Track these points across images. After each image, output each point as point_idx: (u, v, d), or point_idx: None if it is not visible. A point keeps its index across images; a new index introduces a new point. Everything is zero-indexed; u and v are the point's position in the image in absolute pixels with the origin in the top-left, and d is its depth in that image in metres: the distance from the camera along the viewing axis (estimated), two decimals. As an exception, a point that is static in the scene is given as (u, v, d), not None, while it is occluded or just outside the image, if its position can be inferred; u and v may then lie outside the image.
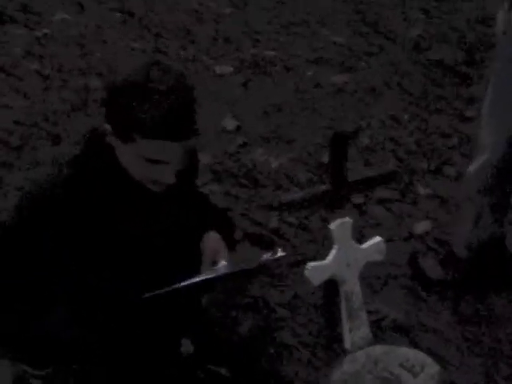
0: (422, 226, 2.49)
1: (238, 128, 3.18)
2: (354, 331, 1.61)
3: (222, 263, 1.58)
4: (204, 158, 2.83)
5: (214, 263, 1.60)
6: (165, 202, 1.60)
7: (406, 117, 3.19)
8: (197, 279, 1.52)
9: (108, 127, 1.46)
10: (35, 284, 1.56)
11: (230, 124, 3.19)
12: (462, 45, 3.74)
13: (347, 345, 1.61)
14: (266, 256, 1.57)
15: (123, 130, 1.43)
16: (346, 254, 1.60)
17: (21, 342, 1.61)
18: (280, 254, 1.57)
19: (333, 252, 1.58)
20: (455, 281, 2.18)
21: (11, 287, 1.58)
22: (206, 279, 1.54)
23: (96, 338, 1.57)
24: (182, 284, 1.50)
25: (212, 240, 1.64)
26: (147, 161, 1.44)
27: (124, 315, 1.55)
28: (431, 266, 2.24)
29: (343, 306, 1.61)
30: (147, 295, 1.49)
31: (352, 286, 1.61)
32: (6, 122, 3.27)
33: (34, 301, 1.58)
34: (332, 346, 2.00)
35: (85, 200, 1.49)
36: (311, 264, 1.56)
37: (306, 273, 1.55)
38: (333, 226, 1.58)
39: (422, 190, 2.68)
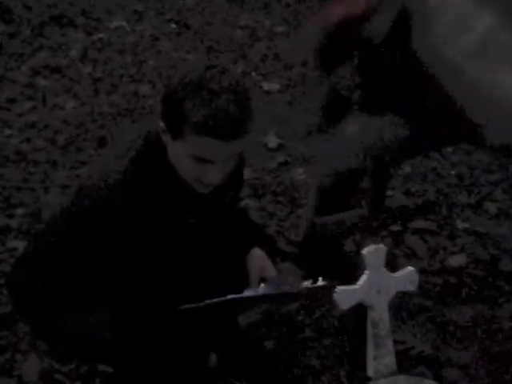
0: (457, 260, 2.46)
1: (280, 146, 3.20)
2: (379, 359, 1.60)
3: (264, 284, 1.59)
4: (244, 174, 2.86)
5: (262, 280, 1.62)
6: (208, 207, 1.62)
7: (449, 149, 3.16)
8: (238, 296, 1.53)
9: (162, 124, 1.48)
10: (78, 282, 1.58)
11: (273, 141, 3.22)
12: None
13: (371, 372, 1.60)
14: (307, 283, 1.58)
15: (174, 125, 1.45)
16: (377, 280, 1.59)
17: (54, 336, 1.64)
18: (320, 282, 1.58)
19: (364, 277, 1.57)
20: None
21: (54, 283, 1.61)
22: (247, 297, 1.55)
23: (128, 342, 1.58)
24: (224, 299, 1.51)
25: (258, 257, 1.65)
26: (195, 159, 1.46)
27: (159, 323, 1.57)
28: None
29: (370, 332, 1.60)
30: (185, 307, 1.50)
31: (380, 314, 1.60)
32: (56, 121, 3.36)
33: (73, 298, 1.60)
34: (355, 372, 1.99)
35: (133, 201, 1.50)
36: (341, 287, 1.55)
37: (335, 296, 1.54)
38: (366, 251, 1.57)
39: (459, 224, 2.65)
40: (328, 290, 1.58)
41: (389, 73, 1.96)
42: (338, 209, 2.21)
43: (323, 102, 2.09)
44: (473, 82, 1.80)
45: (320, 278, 1.60)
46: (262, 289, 1.57)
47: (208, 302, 1.49)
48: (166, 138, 1.50)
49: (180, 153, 1.47)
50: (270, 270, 1.63)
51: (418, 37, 1.85)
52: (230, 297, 1.51)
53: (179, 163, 1.49)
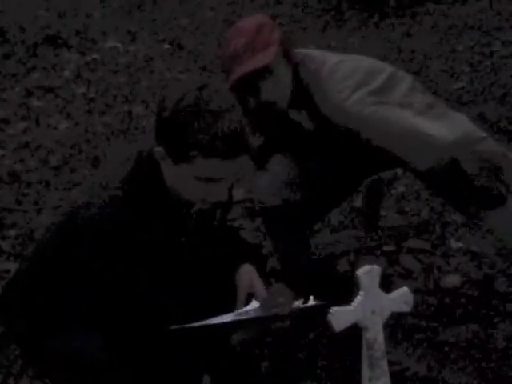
0: (451, 280, 2.45)
1: (274, 166, 3.19)
2: (374, 380, 1.59)
3: (255, 304, 1.58)
4: (236, 194, 2.86)
5: (250, 295, 1.61)
6: (199, 229, 1.62)
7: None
8: (228, 320, 1.52)
9: (160, 149, 1.48)
10: (70, 301, 1.57)
11: (267, 161, 3.21)
12: (506, 101, 3.72)
13: (366, 394, 1.59)
14: (298, 303, 1.57)
15: (178, 150, 1.46)
16: (372, 301, 1.58)
17: (45, 358, 1.62)
18: (311, 302, 1.58)
19: (358, 298, 1.57)
20: None
21: (45, 303, 1.60)
22: (237, 321, 1.54)
23: (120, 362, 1.57)
24: (212, 323, 1.50)
25: (247, 272, 1.65)
26: (200, 180, 1.47)
27: (152, 343, 1.56)
28: None
29: (364, 353, 1.59)
30: (175, 327, 1.49)
31: (375, 334, 1.59)
32: (49, 142, 3.36)
33: (65, 318, 1.59)
34: (350, 393, 1.97)
35: (125, 216, 1.51)
36: (335, 308, 1.54)
37: (329, 317, 1.54)
38: (360, 272, 1.56)
39: (454, 244, 2.65)
40: (319, 309, 1.57)
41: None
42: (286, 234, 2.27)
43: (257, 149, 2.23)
44: (382, 123, 1.86)
45: (311, 297, 1.59)
46: (253, 312, 1.56)
47: (196, 324, 1.48)
48: (165, 162, 1.50)
49: (185, 175, 1.48)
50: (259, 287, 1.63)
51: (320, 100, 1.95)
52: (218, 320, 1.50)
53: (183, 185, 1.50)
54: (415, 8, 5.28)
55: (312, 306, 1.59)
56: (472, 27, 4.70)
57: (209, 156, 1.43)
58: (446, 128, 1.85)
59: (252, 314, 1.56)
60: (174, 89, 1.50)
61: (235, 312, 1.57)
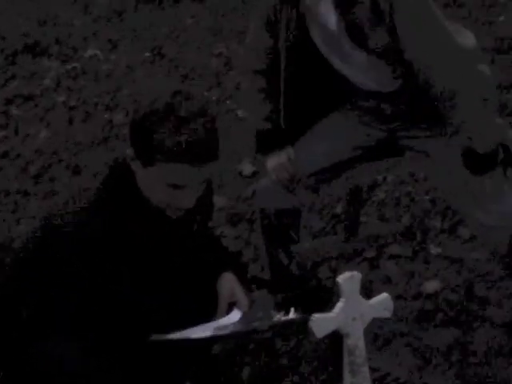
0: (431, 286, 2.47)
1: (255, 173, 3.20)
2: (355, 387, 1.59)
3: (236, 313, 1.57)
4: (219, 201, 2.86)
5: (231, 305, 1.61)
6: (179, 236, 1.62)
7: (422, 174, 3.20)
8: (207, 335, 1.52)
9: (131, 151, 1.50)
10: (49, 308, 1.56)
11: (247, 169, 3.22)
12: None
13: (347, 400, 1.59)
14: (279, 316, 1.57)
15: (145, 153, 1.46)
16: (353, 308, 1.58)
17: (22, 370, 1.61)
18: (292, 315, 1.58)
19: (339, 305, 1.57)
20: None
21: (24, 311, 1.59)
22: (217, 336, 1.53)
23: (100, 371, 1.56)
24: (192, 337, 1.50)
25: (228, 281, 1.65)
26: (167, 185, 1.47)
27: (131, 351, 1.55)
28: None
29: (346, 360, 1.59)
30: (154, 338, 1.49)
31: (356, 341, 1.60)
32: (28, 151, 3.34)
33: (44, 325, 1.58)
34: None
35: (102, 227, 1.51)
36: (316, 315, 1.54)
37: (311, 324, 1.54)
38: (340, 278, 1.57)
39: (434, 249, 2.67)
40: (299, 322, 1.57)
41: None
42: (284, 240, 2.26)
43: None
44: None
45: (292, 309, 1.59)
46: (232, 326, 1.55)
47: (176, 337, 1.48)
48: (136, 165, 1.51)
49: (151, 179, 1.49)
50: (240, 295, 1.63)
51: None
52: (197, 335, 1.50)
53: (150, 189, 1.51)
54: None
55: (292, 319, 1.59)
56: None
57: (172, 161, 1.43)
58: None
59: (231, 329, 1.55)
60: (151, 95, 1.50)
61: (214, 325, 1.56)
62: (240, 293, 1.64)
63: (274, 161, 2.16)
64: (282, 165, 2.13)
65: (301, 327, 1.57)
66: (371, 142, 2.16)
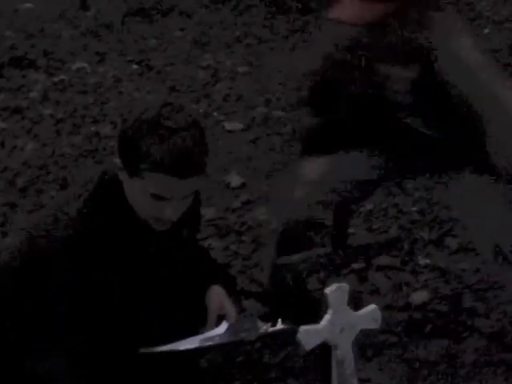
0: (420, 296, 2.47)
1: (243, 185, 3.20)
2: (344, 398, 1.59)
3: (224, 326, 1.57)
4: (207, 213, 2.85)
5: (220, 317, 1.60)
6: (166, 248, 1.61)
7: (410, 185, 3.21)
8: (194, 346, 1.51)
9: (118, 161, 1.50)
10: (37, 321, 1.55)
11: (236, 180, 3.23)
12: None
13: (336, 412, 1.58)
14: (266, 327, 1.57)
15: (132, 163, 1.46)
16: (341, 319, 1.59)
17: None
18: (279, 326, 1.57)
19: (327, 317, 1.57)
20: None
21: (12, 326, 1.57)
22: (204, 347, 1.53)
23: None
24: (179, 348, 1.49)
25: (217, 294, 1.64)
26: (152, 196, 1.47)
27: (120, 365, 1.54)
28: None
29: (334, 371, 1.59)
30: (144, 351, 1.48)
31: (345, 352, 1.60)
32: (16, 163, 3.32)
33: (31, 340, 1.56)
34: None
35: (90, 239, 1.50)
36: (304, 327, 1.55)
37: (299, 336, 1.54)
38: (328, 290, 1.57)
39: (422, 260, 2.67)
40: (287, 333, 1.57)
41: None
42: (301, 249, 2.23)
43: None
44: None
45: (279, 321, 1.59)
46: (219, 337, 1.55)
47: (164, 348, 1.48)
48: (123, 175, 1.51)
49: (137, 190, 1.49)
50: (229, 308, 1.62)
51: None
52: (185, 346, 1.50)
53: (136, 200, 1.50)
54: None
55: (280, 330, 1.59)
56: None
57: (156, 171, 1.43)
58: None
59: (218, 340, 1.55)
60: (141, 106, 1.51)
61: (202, 336, 1.56)
62: (229, 306, 1.64)
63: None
64: None
65: (289, 338, 1.57)
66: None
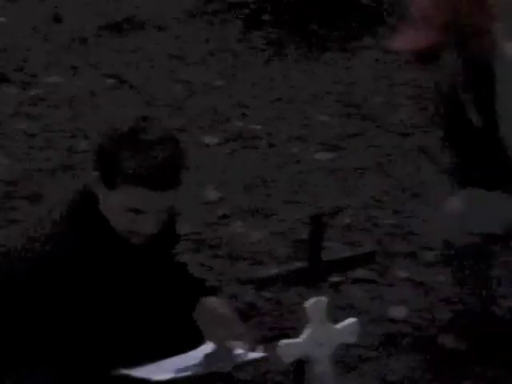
0: (397, 310, 2.47)
1: (220, 199, 3.19)
2: (324, 414, 1.58)
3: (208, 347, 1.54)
4: (182, 228, 2.83)
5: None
6: (144, 263, 1.60)
7: (386, 198, 3.23)
8: (167, 377, 1.49)
9: (95, 174, 1.50)
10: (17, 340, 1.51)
11: (212, 195, 3.21)
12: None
13: (315, 427, 1.58)
14: (243, 355, 1.55)
15: (108, 176, 1.47)
16: (320, 333, 1.58)
17: None
18: (259, 354, 1.57)
19: (306, 331, 1.57)
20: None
21: None
22: (179, 378, 1.51)
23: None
24: (153, 379, 1.47)
25: (211, 305, 1.61)
26: (129, 210, 1.46)
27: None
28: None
29: (313, 386, 1.58)
30: (117, 373, 1.46)
31: (324, 366, 1.59)
32: (-13, 179, 3.27)
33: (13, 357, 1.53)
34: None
35: (65, 255, 1.48)
36: (283, 341, 1.54)
37: (278, 350, 1.53)
38: (307, 304, 1.57)
39: (399, 273, 2.68)
40: (263, 360, 1.55)
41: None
42: None
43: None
44: None
45: (260, 347, 1.58)
46: (193, 367, 1.53)
47: (138, 375, 1.46)
48: (99, 189, 1.50)
49: (113, 203, 1.48)
50: (230, 319, 1.59)
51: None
52: (158, 376, 1.47)
53: (112, 214, 1.50)
54: (355, 43, 5.41)
55: (258, 357, 1.58)
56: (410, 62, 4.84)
57: (133, 184, 1.43)
58: None
59: (193, 370, 1.52)
60: (115, 119, 1.52)
61: (178, 364, 1.53)
62: (230, 315, 1.61)
63: None
64: None
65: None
66: None
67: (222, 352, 1.56)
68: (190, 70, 4.84)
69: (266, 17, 5.64)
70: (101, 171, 1.49)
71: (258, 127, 3.99)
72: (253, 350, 1.59)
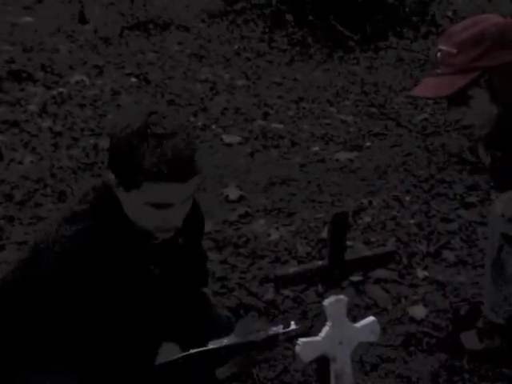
0: (418, 310, 2.47)
1: (241, 198, 3.21)
2: (342, 412, 1.58)
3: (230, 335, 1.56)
4: (205, 226, 2.84)
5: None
6: (169, 254, 1.61)
7: (407, 198, 3.22)
8: (204, 348, 1.50)
9: (112, 177, 1.47)
10: (36, 338, 1.53)
11: (234, 193, 3.23)
12: (467, 132, 3.80)
13: (334, 425, 1.58)
14: (277, 328, 1.55)
15: (126, 176, 1.44)
16: (339, 332, 1.58)
17: None
18: (292, 327, 1.56)
19: (325, 329, 1.57)
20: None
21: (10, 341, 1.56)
22: (213, 349, 1.52)
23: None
24: (191, 352, 1.48)
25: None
26: (153, 206, 1.45)
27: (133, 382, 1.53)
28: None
29: (333, 384, 1.58)
30: (160, 363, 1.46)
31: (343, 365, 1.59)
32: (13, 176, 3.32)
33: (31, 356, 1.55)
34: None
35: (90, 249, 1.48)
36: (302, 340, 1.53)
37: (297, 349, 1.53)
38: (327, 302, 1.56)
39: (420, 273, 2.67)
40: (301, 334, 1.55)
41: None
42: None
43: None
44: None
45: (292, 322, 1.57)
46: (228, 339, 1.53)
47: (177, 356, 1.47)
48: (118, 191, 1.48)
49: (137, 202, 1.46)
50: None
51: None
52: (193, 351, 1.49)
53: (137, 213, 1.48)
54: (378, 42, 5.39)
55: (291, 331, 1.56)
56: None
57: (155, 180, 1.41)
58: None
59: (226, 342, 1.53)
60: (126, 117, 1.47)
61: (210, 342, 1.55)
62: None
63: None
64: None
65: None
66: None
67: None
68: (212, 70, 4.86)
69: (289, 17, 5.64)
70: (119, 173, 1.46)
71: (281, 126, 4.00)
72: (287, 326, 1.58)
